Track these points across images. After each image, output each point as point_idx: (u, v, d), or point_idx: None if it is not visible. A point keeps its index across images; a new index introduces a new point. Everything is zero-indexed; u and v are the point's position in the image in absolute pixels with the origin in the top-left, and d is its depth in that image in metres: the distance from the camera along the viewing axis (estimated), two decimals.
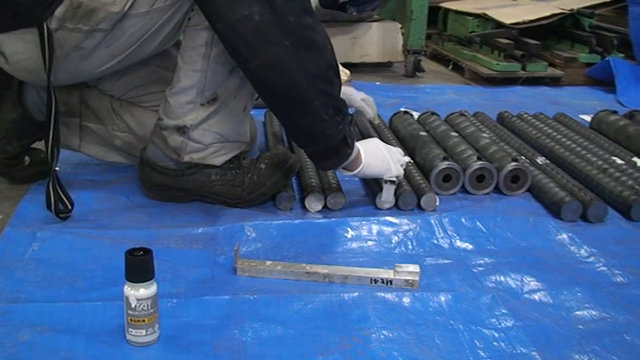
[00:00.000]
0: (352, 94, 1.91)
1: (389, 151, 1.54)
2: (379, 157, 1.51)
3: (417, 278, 1.25)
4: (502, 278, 1.31)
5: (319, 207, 1.55)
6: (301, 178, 1.65)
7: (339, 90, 1.41)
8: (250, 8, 1.26)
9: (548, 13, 3.09)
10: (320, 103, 1.35)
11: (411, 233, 1.47)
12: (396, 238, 1.45)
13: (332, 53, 1.38)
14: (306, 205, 1.55)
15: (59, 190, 1.45)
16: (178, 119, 1.45)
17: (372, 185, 1.64)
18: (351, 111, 1.68)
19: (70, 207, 1.46)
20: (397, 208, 1.57)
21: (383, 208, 1.56)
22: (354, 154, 1.46)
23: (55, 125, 1.41)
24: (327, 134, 1.39)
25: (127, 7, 1.34)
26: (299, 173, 1.66)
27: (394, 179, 1.53)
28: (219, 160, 1.51)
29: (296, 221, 1.48)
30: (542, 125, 2.10)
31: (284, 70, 1.31)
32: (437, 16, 3.51)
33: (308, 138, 1.43)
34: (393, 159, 1.53)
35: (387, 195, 1.55)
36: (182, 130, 1.46)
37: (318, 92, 1.34)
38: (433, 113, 2.10)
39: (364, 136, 1.89)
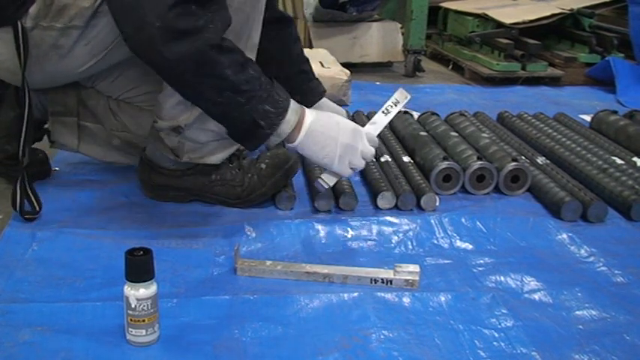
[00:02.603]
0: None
1: (349, 149, 1.41)
2: (320, 142, 1.39)
3: (417, 278, 1.25)
4: (502, 278, 1.30)
5: (327, 207, 1.55)
6: (310, 179, 1.64)
7: (239, 67, 1.28)
8: None
9: (548, 13, 3.09)
10: (208, 88, 1.28)
11: (411, 233, 1.47)
12: (396, 238, 1.45)
13: (215, 33, 1.25)
14: (315, 205, 1.54)
15: (29, 190, 1.45)
16: (172, 120, 1.45)
17: (373, 185, 1.64)
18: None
19: (37, 208, 1.46)
20: (397, 208, 1.57)
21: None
22: (285, 131, 1.35)
23: (28, 125, 1.41)
24: (231, 117, 1.33)
25: (97, 3, 1.33)
26: (307, 173, 1.65)
27: (332, 178, 1.46)
28: (217, 158, 1.51)
29: (296, 221, 1.48)
30: (542, 125, 2.10)
31: (154, 50, 1.23)
32: (437, 16, 3.51)
33: (215, 119, 1.37)
34: (344, 155, 1.41)
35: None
36: (177, 130, 1.45)
37: (199, 77, 1.27)
38: (433, 113, 2.10)
39: None
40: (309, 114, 1.39)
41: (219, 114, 1.35)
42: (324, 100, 1.79)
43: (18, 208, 1.43)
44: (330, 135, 1.40)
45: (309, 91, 1.73)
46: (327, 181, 1.47)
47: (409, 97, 1.52)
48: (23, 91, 1.39)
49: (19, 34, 1.33)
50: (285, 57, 1.71)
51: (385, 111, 1.51)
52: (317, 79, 1.80)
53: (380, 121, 1.50)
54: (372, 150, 1.46)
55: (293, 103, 1.36)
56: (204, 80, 1.28)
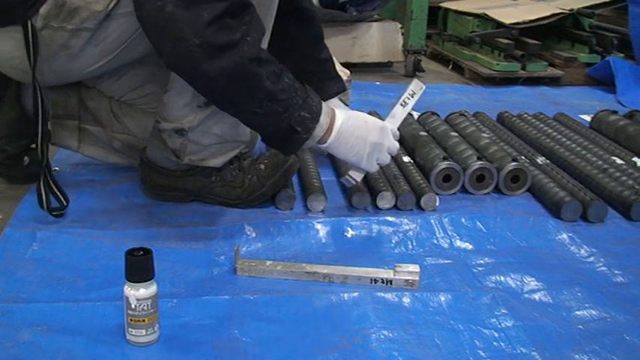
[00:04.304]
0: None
1: (377, 147, 1.45)
2: (350, 142, 1.42)
3: (417, 278, 1.25)
4: (502, 278, 1.30)
5: (320, 207, 1.55)
6: (303, 178, 1.65)
7: (276, 77, 1.29)
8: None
9: (548, 13, 3.09)
10: (247, 100, 1.29)
11: (411, 233, 1.47)
12: (396, 238, 1.45)
13: (253, 46, 1.26)
14: (308, 205, 1.55)
15: (54, 186, 1.45)
16: (176, 122, 1.45)
17: (372, 185, 1.64)
18: None
19: (65, 203, 1.46)
20: (397, 208, 1.57)
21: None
22: (319, 134, 1.37)
23: (44, 123, 1.42)
24: (268, 125, 1.34)
25: (110, 7, 1.34)
26: (301, 173, 1.66)
27: (359, 174, 1.50)
28: (218, 162, 1.51)
29: (296, 221, 1.48)
30: (542, 125, 2.10)
31: (193, 67, 1.24)
32: (437, 16, 3.51)
33: (251, 127, 1.41)
34: (372, 153, 1.44)
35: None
36: (181, 132, 1.46)
37: (240, 90, 1.28)
38: (433, 113, 2.10)
39: None
40: (339, 115, 1.41)
41: (256, 123, 1.36)
42: (333, 101, 1.77)
43: (45, 207, 1.43)
44: (360, 135, 1.42)
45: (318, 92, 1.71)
46: (355, 177, 1.50)
47: (424, 87, 1.55)
48: (34, 89, 1.39)
49: (29, 33, 1.34)
50: (294, 55, 1.70)
51: (403, 103, 1.53)
52: (332, 79, 1.80)
53: (399, 114, 1.53)
54: (397, 145, 1.50)
55: (324, 105, 1.38)
56: (244, 93, 1.29)
